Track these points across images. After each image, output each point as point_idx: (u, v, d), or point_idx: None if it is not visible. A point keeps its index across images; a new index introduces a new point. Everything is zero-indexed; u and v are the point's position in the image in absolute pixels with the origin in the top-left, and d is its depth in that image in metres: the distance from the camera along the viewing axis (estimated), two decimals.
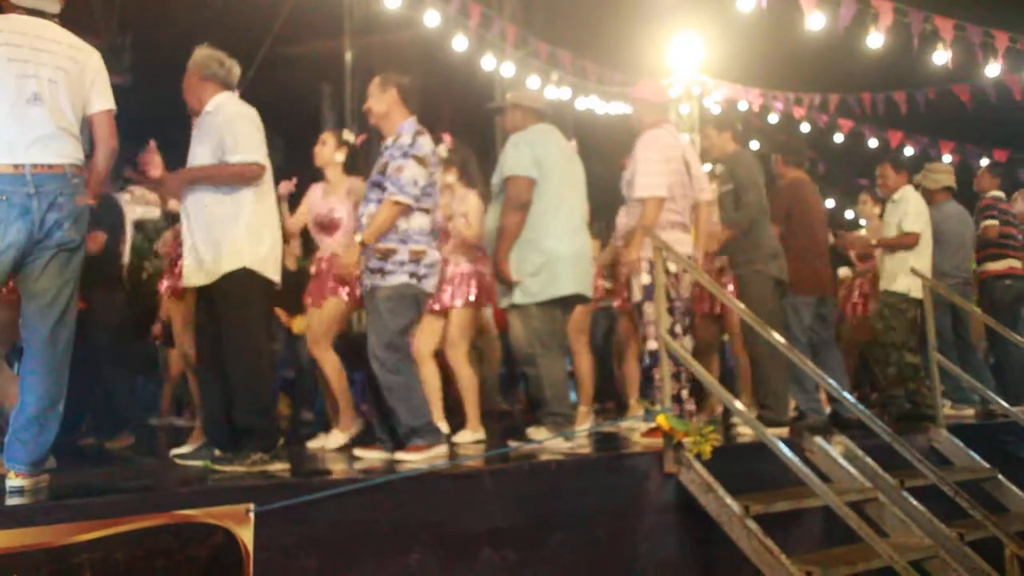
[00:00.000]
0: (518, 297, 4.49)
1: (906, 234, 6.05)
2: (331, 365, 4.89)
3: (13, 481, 3.09)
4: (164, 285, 4.87)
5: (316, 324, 4.88)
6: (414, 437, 4.00)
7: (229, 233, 3.76)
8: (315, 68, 12.69)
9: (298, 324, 6.78)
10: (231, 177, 3.78)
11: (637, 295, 4.77)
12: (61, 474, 3.48)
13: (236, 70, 4.06)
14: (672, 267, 4.67)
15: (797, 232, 5.50)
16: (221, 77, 3.98)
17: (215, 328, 3.83)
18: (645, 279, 4.71)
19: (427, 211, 4.15)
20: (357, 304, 4.82)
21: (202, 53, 4.02)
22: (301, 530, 3.08)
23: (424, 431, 4.02)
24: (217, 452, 3.83)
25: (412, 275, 4.08)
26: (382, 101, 4.25)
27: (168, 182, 3.98)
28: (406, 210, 4.07)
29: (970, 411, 6.53)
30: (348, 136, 5.07)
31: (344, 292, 4.79)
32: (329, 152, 4.96)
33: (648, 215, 4.64)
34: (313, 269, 5.01)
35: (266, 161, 3.82)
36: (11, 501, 2.91)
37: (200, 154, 3.87)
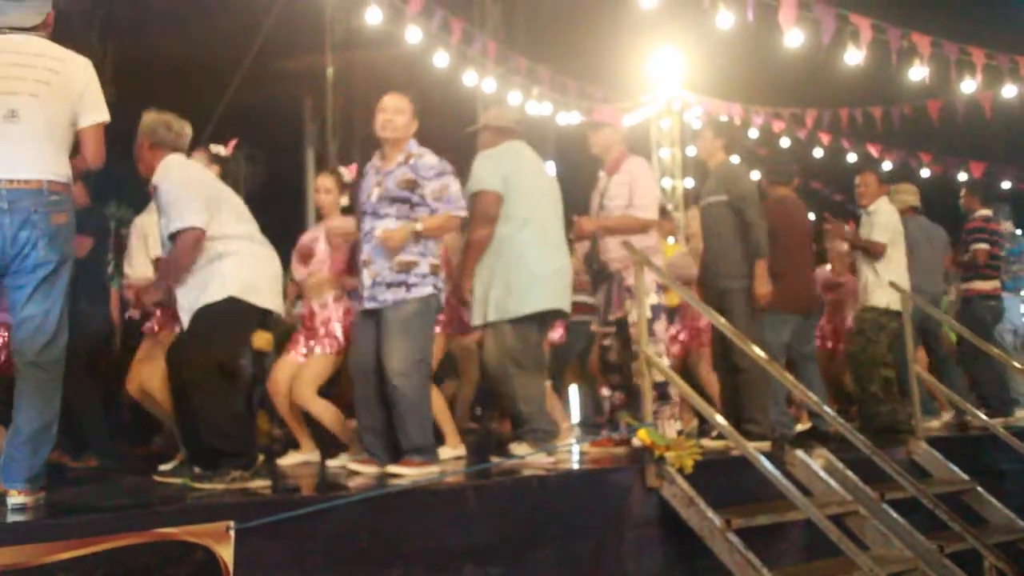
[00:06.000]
0: (492, 314, 4.48)
1: (873, 242, 6.10)
2: (327, 413, 4.74)
3: (15, 499, 3.13)
4: (147, 327, 4.83)
5: (304, 377, 4.69)
6: (414, 453, 3.97)
7: (213, 271, 3.78)
8: (297, 83, 12.72)
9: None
10: (183, 255, 3.75)
11: (648, 313, 4.73)
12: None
13: (187, 130, 4.04)
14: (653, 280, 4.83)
15: (781, 250, 5.45)
16: (170, 141, 3.96)
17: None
18: (654, 299, 4.90)
19: None
20: (341, 355, 4.72)
21: (149, 119, 4.00)
22: (281, 547, 3.06)
23: (427, 450, 4.01)
24: (196, 469, 3.79)
25: (434, 287, 4.11)
26: (411, 127, 4.22)
27: (145, 295, 4.11)
28: (459, 225, 4.21)
29: (935, 423, 6.60)
30: (346, 175, 4.96)
31: (330, 346, 4.70)
32: (334, 200, 4.88)
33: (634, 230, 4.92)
34: (303, 310, 4.87)
35: (199, 220, 3.74)
36: (14, 518, 2.95)
37: (165, 225, 3.86)
